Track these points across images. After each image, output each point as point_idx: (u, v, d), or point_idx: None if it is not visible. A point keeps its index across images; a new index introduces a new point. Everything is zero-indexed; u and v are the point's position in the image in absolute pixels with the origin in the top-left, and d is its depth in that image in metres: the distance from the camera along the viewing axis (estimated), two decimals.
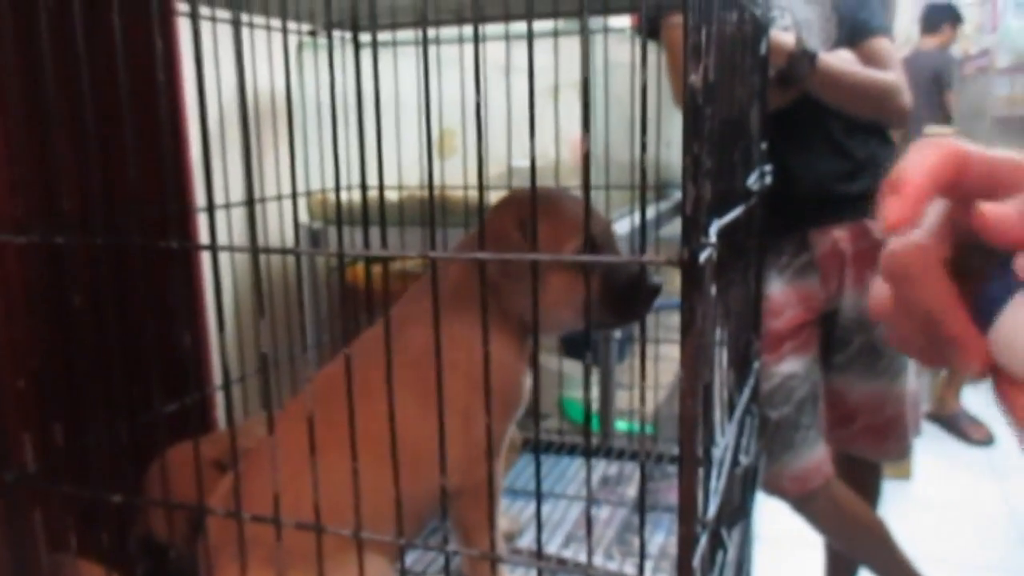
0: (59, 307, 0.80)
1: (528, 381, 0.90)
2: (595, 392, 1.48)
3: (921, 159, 0.37)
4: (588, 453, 0.61)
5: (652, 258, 0.57)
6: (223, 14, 1.03)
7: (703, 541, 0.66)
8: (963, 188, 0.38)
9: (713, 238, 0.63)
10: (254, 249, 0.61)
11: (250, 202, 0.67)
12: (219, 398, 1.10)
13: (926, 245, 0.39)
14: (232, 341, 1.07)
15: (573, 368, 1.57)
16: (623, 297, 0.83)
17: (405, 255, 0.61)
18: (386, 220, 0.70)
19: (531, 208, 0.81)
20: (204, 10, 1.03)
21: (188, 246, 0.81)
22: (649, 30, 1.43)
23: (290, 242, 1.33)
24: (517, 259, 0.77)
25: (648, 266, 0.85)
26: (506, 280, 0.83)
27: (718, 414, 0.84)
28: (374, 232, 1.27)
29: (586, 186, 0.56)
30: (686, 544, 0.61)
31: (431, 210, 0.60)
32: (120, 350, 0.76)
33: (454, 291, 0.81)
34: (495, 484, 0.73)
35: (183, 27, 1.04)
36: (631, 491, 1.15)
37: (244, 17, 0.95)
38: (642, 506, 0.61)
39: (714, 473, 0.77)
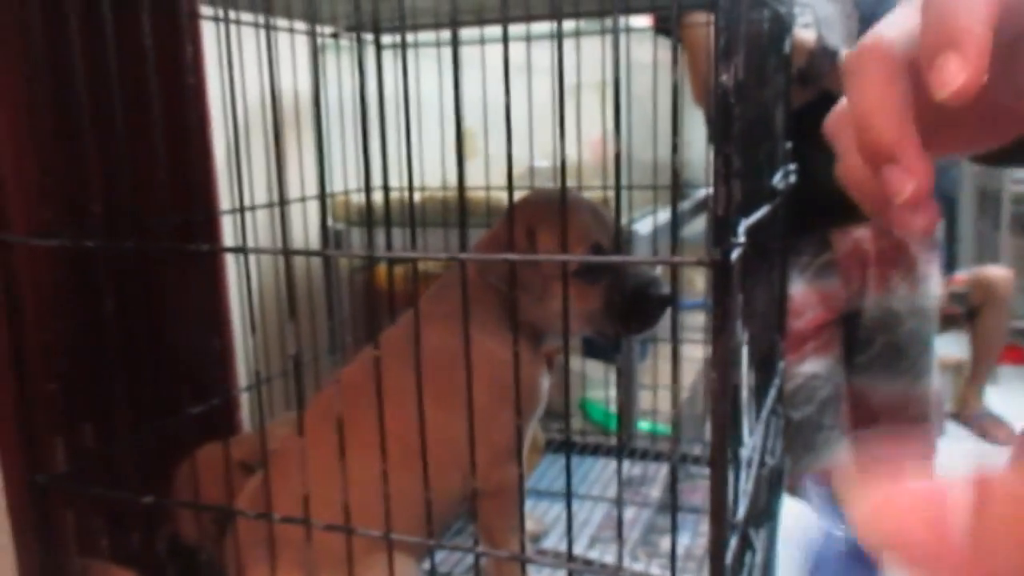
0: (88, 310, 0.81)
1: (545, 382, 0.90)
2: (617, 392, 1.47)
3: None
4: (620, 456, 0.60)
5: (683, 259, 0.57)
6: (246, 17, 1.04)
7: (733, 542, 0.65)
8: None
9: (742, 237, 0.62)
10: (285, 251, 0.61)
11: (281, 204, 0.68)
12: (244, 400, 1.10)
13: (895, 47, 0.31)
14: (255, 343, 1.07)
15: (594, 369, 1.57)
16: (630, 308, 0.83)
17: (434, 256, 0.61)
18: (413, 221, 0.70)
19: (540, 215, 0.81)
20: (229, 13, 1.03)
21: (217, 249, 0.81)
22: (667, 30, 1.42)
23: (312, 244, 1.33)
24: (545, 260, 0.77)
25: (658, 276, 0.84)
26: (513, 290, 0.83)
27: (745, 415, 0.84)
28: (395, 233, 1.27)
29: (617, 189, 0.56)
30: (717, 545, 0.60)
31: (461, 211, 0.60)
32: (148, 352, 0.77)
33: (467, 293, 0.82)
34: (521, 485, 0.74)
35: (207, 31, 1.05)
36: (654, 492, 1.15)
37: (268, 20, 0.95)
38: (674, 508, 0.61)
39: (743, 474, 0.77)
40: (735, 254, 0.57)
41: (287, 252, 0.61)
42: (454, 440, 0.73)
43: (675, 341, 0.57)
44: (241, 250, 0.63)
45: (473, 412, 0.66)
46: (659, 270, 0.91)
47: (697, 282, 2.02)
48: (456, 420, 0.71)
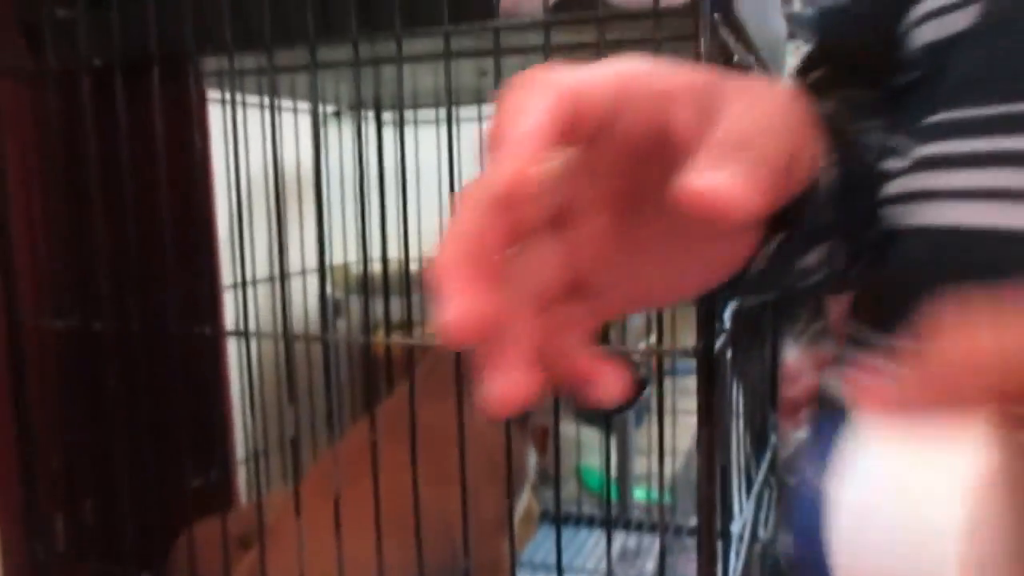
0: (92, 387, 0.83)
1: (532, 458, 0.92)
2: (612, 457, 1.48)
3: (528, 101, 0.26)
4: (609, 533, 0.62)
5: (666, 349, 0.59)
6: (252, 98, 1.08)
7: None
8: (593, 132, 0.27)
9: (728, 324, 0.65)
10: (286, 336, 0.63)
11: (282, 279, 0.70)
12: (241, 473, 1.11)
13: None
14: (255, 419, 1.09)
15: (590, 435, 1.58)
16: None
17: (428, 343, 0.63)
18: (409, 301, 0.72)
19: None
20: (236, 94, 1.07)
21: (220, 333, 0.83)
22: None
23: (312, 310, 1.35)
24: None
25: (635, 360, 0.86)
26: None
27: (736, 491, 0.85)
28: (396, 301, 1.29)
29: None
30: None
31: None
32: (149, 428, 0.79)
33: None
34: (512, 561, 0.75)
35: (213, 109, 1.08)
36: (650, 565, 1.15)
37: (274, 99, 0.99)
38: None
39: (733, 549, 0.78)
40: (720, 343, 0.59)
41: (288, 337, 0.63)
42: (443, 515, 0.75)
43: (661, 427, 0.59)
44: (242, 334, 0.65)
45: (464, 488, 0.67)
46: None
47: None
48: (444, 496, 0.73)
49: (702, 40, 0.54)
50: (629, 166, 0.29)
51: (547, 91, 0.26)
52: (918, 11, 0.42)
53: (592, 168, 0.29)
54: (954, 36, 0.39)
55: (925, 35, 0.41)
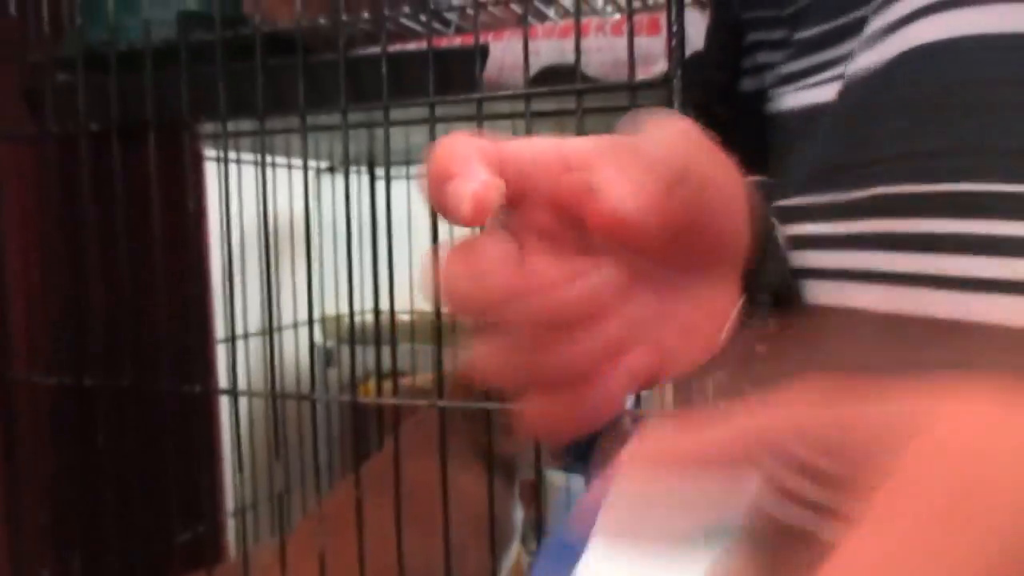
0: (82, 440, 0.84)
1: (519, 514, 0.92)
2: None
3: (456, 142, 0.28)
4: None
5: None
6: (247, 155, 1.10)
7: None
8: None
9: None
10: (274, 395, 0.64)
11: (271, 344, 0.71)
12: (231, 525, 1.11)
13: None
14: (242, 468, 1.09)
15: (580, 486, 1.57)
16: (588, 445, 0.85)
17: (415, 402, 0.64)
18: (395, 354, 0.73)
19: None
20: (230, 153, 1.09)
21: (210, 390, 0.85)
22: None
23: (305, 362, 1.36)
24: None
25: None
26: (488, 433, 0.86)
27: None
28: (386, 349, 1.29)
29: None
30: None
31: (438, 359, 0.63)
32: (139, 482, 0.79)
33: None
34: None
35: (209, 165, 1.10)
36: None
37: (267, 157, 1.01)
38: None
39: None
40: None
41: (275, 396, 0.64)
42: (429, 572, 0.75)
43: None
44: (232, 392, 0.66)
45: (448, 545, 0.68)
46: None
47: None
48: (430, 553, 0.73)
49: (675, 110, 0.56)
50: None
51: (470, 140, 0.29)
52: (789, 91, 0.43)
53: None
54: (814, 108, 0.39)
55: (788, 102, 0.43)
